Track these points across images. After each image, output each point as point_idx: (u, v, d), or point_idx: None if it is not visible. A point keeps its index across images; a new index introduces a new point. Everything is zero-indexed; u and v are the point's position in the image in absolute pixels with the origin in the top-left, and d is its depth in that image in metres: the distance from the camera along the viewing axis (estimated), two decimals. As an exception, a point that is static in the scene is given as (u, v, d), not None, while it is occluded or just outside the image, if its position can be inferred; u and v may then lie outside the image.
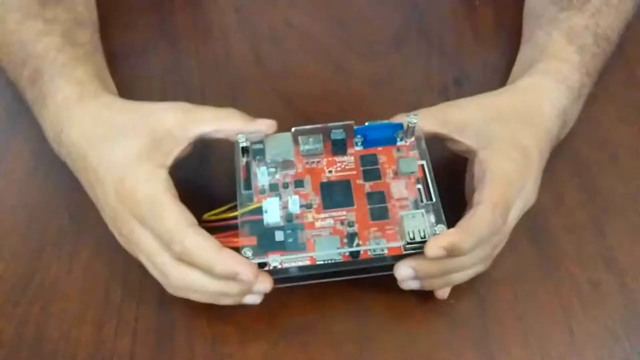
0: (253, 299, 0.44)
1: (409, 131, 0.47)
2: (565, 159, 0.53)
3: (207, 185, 0.53)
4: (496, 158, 0.45)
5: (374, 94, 0.58)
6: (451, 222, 0.43)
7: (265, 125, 0.47)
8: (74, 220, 0.51)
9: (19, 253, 0.50)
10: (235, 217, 0.45)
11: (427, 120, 0.47)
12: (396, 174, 0.47)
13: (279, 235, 0.44)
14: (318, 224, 0.45)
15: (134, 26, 0.63)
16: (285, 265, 0.43)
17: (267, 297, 0.44)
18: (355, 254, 0.43)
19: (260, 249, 0.43)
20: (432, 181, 0.46)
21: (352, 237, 0.44)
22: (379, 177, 0.47)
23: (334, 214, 0.45)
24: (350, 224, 0.44)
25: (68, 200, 0.51)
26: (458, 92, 0.57)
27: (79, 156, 0.46)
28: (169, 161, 0.45)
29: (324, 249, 0.43)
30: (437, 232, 0.43)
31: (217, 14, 0.64)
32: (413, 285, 0.44)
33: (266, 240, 0.44)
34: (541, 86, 0.50)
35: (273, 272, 0.43)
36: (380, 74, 0.59)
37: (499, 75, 0.57)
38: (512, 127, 0.47)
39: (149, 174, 0.44)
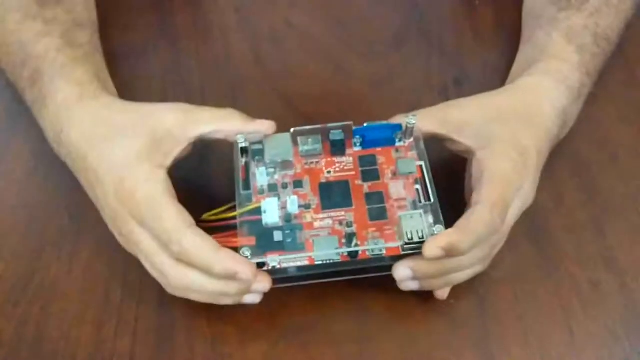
0: (252, 299, 0.44)
1: (408, 132, 0.47)
2: (565, 159, 0.53)
3: (206, 185, 0.53)
4: (494, 158, 0.45)
5: (374, 94, 0.58)
6: (450, 223, 0.43)
7: (264, 126, 0.47)
8: (74, 220, 0.51)
9: (19, 253, 0.50)
10: (234, 217, 0.45)
11: (426, 120, 0.47)
12: (395, 174, 0.47)
13: (278, 236, 0.44)
14: (317, 224, 0.45)
15: (134, 26, 0.63)
16: (284, 265, 0.43)
17: (267, 297, 0.44)
18: (353, 254, 0.43)
19: (259, 249, 0.43)
20: (430, 182, 0.46)
21: (350, 237, 0.44)
22: (377, 178, 0.47)
23: (332, 214, 0.45)
24: (349, 225, 0.44)
25: (68, 200, 0.51)
26: (458, 92, 0.57)
27: (79, 156, 0.47)
28: (169, 161, 0.45)
29: (322, 249, 0.43)
30: (435, 232, 0.43)
31: (217, 14, 0.64)
32: (412, 286, 0.44)
33: (265, 240, 0.44)
34: (541, 86, 0.50)
35: (272, 272, 0.43)
36: (380, 74, 0.59)
37: (499, 75, 0.56)
38: (512, 127, 0.46)
39: (149, 174, 0.44)
